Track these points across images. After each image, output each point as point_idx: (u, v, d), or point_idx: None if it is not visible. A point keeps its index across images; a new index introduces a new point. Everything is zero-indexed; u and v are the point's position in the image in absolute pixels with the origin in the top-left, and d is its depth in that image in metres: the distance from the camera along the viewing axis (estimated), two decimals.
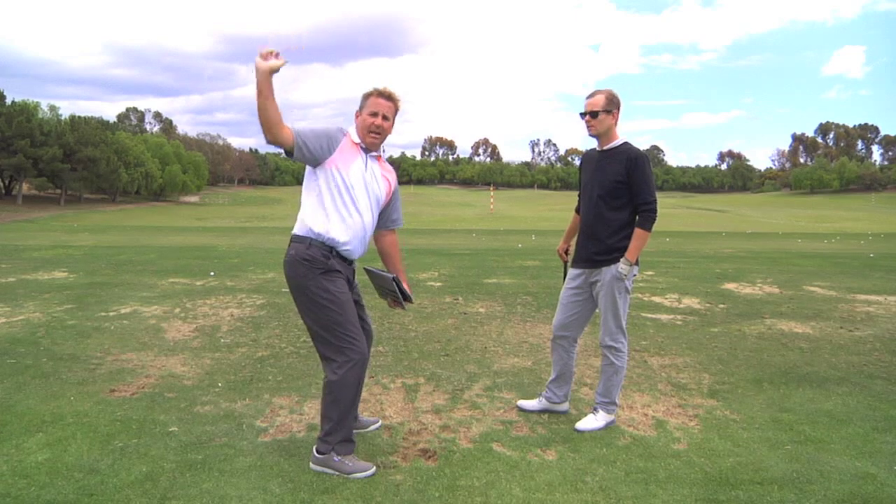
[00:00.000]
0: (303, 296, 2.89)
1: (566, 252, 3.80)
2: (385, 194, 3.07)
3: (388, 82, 3.01)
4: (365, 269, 3.19)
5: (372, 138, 2.94)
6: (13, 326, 5.85)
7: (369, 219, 2.98)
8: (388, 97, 2.95)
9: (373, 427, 3.38)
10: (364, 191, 2.94)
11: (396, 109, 2.99)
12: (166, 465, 2.90)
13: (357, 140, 2.95)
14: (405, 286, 3.11)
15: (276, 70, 2.59)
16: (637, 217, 3.40)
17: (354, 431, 3.07)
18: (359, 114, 2.97)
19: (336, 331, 2.86)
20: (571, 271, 3.61)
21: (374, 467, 2.89)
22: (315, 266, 2.86)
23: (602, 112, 3.39)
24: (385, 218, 3.16)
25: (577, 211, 3.74)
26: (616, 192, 3.38)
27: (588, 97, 3.46)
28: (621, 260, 3.36)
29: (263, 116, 2.65)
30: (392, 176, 3.13)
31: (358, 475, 2.82)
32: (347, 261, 2.98)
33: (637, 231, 3.37)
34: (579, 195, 3.69)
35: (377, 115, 2.91)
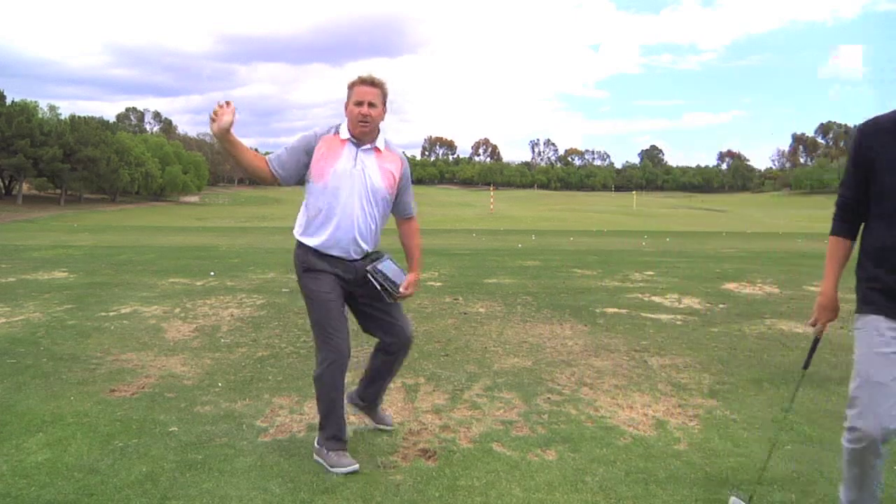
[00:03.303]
0: (300, 292, 3.04)
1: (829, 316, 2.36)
2: (386, 186, 2.95)
3: (372, 70, 2.98)
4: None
5: (361, 128, 2.88)
6: (13, 326, 5.85)
7: (360, 213, 2.91)
8: (371, 83, 2.89)
9: (382, 426, 3.37)
10: (349, 187, 2.88)
11: (384, 94, 2.93)
12: (166, 465, 2.90)
13: (346, 136, 2.92)
14: (385, 278, 2.96)
15: (229, 126, 2.69)
16: None
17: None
18: (347, 105, 2.93)
19: (315, 328, 2.94)
20: (884, 324, 2.14)
21: (356, 465, 2.87)
22: (300, 264, 2.97)
23: None
24: (396, 208, 3.10)
25: (844, 233, 2.34)
26: None
27: None
28: None
29: (240, 166, 2.88)
30: (396, 165, 3.00)
31: (338, 470, 2.84)
32: (339, 259, 2.94)
33: None
34: (853, 200, 2.30)
35: (362, 103, 2.86)
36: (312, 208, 2.94)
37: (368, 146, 2.94)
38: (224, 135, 2.70)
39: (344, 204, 2.89)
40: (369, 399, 3.28)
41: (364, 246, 2.98)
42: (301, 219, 3.01)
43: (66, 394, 3.89)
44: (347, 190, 2.89)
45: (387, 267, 2.98)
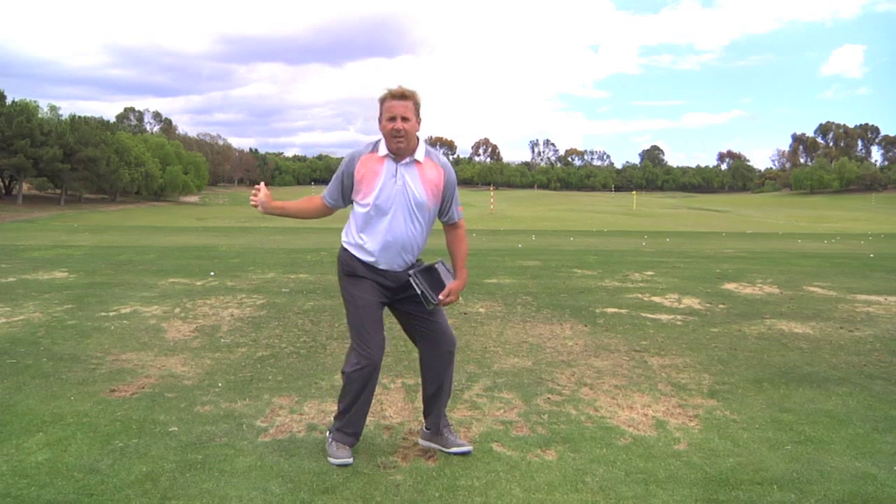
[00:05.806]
0: (339, 291, 3.14)
1: None
2: (430, 198, 2.94)
3: (396, 81, 2.98)
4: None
5: (396, 143, 2.86)
6: (13, 326, 5.85)
7: (404, 229, 2.92)
8: (402, 96, 2.86)
9: (455, 450, 3.09)
10: (393, 206, 2.90)
11: (416, 104, 2.89)
12: (166, 465, 2.91)
13: (384, 152, 2.91)
14: (425, 283, 2.96)
15: (268, 203, 3.04)
16: None
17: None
18: (380, 121, 2.90)
19: (352, 331, 3.00)
20: None
21: (350, 460, 2.94)
22: (343, 266, 3.05)
23: None
24: (441, 215, 3.08)
25: None
26: None
27: None
28: None
29: (302, 218, 3.22)
30: (438, 175, 2.96)
31: (331, 460, 2.94)
32: (381, 270, 2.97)
33: None
34: None
35: (395, 118, 2.83)
36: (358, 226, 2.97)
37: (408, 159, 2.92)
38: (270, 210, 3.05)
39: (389, 223, 2.90)
40: (433, 425, 3.15)
41: (409, 258, 3.00)
42: (349, 228, 3.03)
43: (66, 394, 3.89)
44: (391, 209, 2.90)
45: (430, 272, 3.00)
